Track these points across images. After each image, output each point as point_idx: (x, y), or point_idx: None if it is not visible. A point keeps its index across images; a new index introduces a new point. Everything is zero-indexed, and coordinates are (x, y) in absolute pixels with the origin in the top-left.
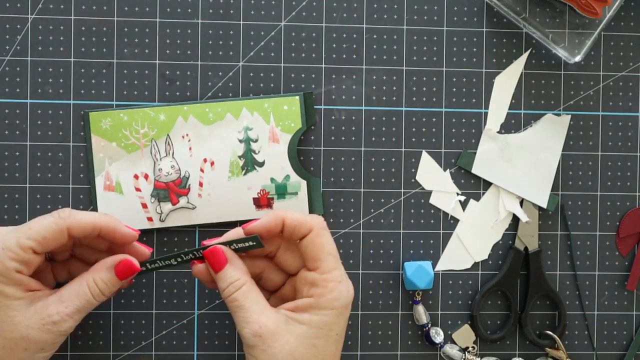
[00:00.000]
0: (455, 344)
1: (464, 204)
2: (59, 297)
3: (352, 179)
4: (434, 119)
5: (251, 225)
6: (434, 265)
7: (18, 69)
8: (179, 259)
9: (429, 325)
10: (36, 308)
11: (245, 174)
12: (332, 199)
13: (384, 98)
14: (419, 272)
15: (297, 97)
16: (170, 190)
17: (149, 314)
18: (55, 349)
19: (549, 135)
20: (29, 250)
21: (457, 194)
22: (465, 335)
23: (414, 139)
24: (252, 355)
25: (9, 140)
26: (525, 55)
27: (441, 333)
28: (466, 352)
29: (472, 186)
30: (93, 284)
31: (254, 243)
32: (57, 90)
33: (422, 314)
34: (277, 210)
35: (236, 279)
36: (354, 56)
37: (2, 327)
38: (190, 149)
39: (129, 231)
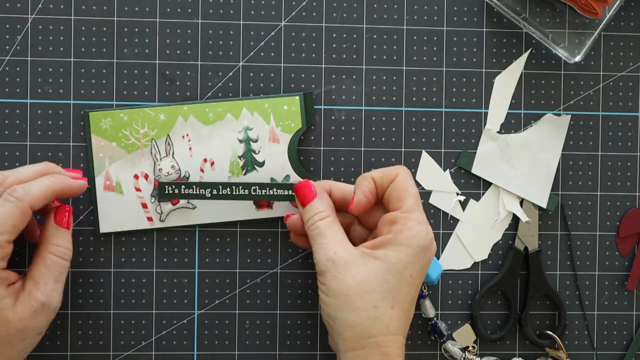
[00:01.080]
0: (456, 342)
1: (463, 204)
2: (32, 280)
3: (352, 179)
4: (434, 119)
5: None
6: None
7: (18, 69)
8: (215, 191)
9: (435, 319)
10: (20, 301)
11: (245, 174)
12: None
13: (384, 98)
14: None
15: (297, 97)
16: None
17: (149, 314)
18: (48, 325)
19: (549, 135)
20: (5, 244)
21: (457, 194)
22: (465, 334)
23: (414, 139)
24: (322, 282)
25: (9, 140)
26: (525, 55)
27: (432, 307)
28: (466, 352)
29: (472, 186)
30: (54, 247)
31: (292, 193)
32: (57, 90)
33: (428, 307)
34: (364, 175)
35: (322, 210)
36: (354, 56)
37: None
38: (190, 149)
39: (80, 182)
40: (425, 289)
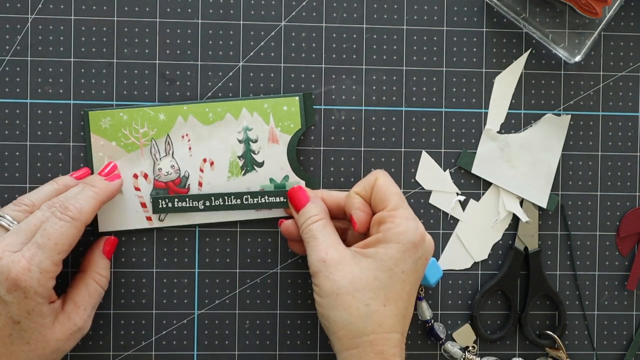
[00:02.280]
0: (456, 342)
1: (463, 204)
2: (74, 303)
3: (352, 179)
4: (434, 119)
5: (295, 187)
6: None
7: (18, 69)
8: (208, 202)
9: (432, 321)
10: (59, 321)
11: (244, 174)
12: None
13: (384, 98)
14: (430, 268)
15: (297, 98)
16: (170, 190)
17: (149, 314)
18: None
19: (549, 135)
20: (60, 263)
21: (457, 194)
22: (465, 334)
23: (413, 139)
24: (315, 284)
25: (9, 140)
26: (525, 55)
27: (444, 329)
28: (466, 352)
29: (472, 186)
30: (99, 277)
31: (285, 200)
32: (57, 90)
33: (425, 309)
34: (347, 194)
35: (315, 214)
36: (354, 56)
37: (37, 345)
38: (189, 148)
39: (118, 184)
40: (422, 290)
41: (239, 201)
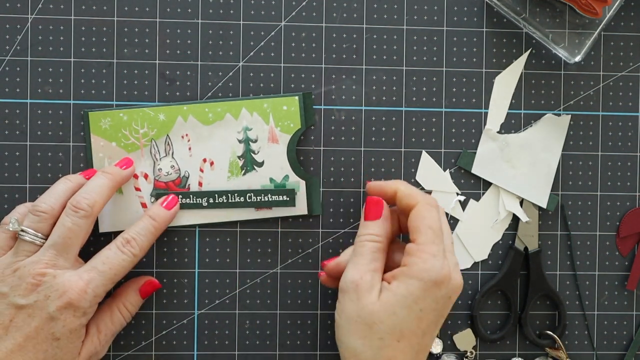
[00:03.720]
0: (452, 352)
1: (463, 204)
2: (96, 327)
3: (352, 179)
4: (434, 119)
5: (370, 182)
6: None
7: (18, 69)
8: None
9: (440, 355)
10: (84, 344)
11: (244, 174)
12: (331, 199)
13: (384, 98)
14: None
15: (297, 98)
16: (170, 190)
17: (149, 314)
18: None
19: (549, 135)
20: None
21: (457, 194)
22: (465, 338)
23: (413, 139)
24: (340, 301)
25: (9, 140)
26: (525, 55)
27: (440, 343)
28: (464, 358)
29: (472, 186)
30: (124, 309)
31: (288, 199)
32: (57, 90)
33: (435, 343)
34: (396, 180)
35: (377, 234)
36: (354, 56)
37: None
38: (189, 149)
39: (129, 170)
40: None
41: (242, 199)
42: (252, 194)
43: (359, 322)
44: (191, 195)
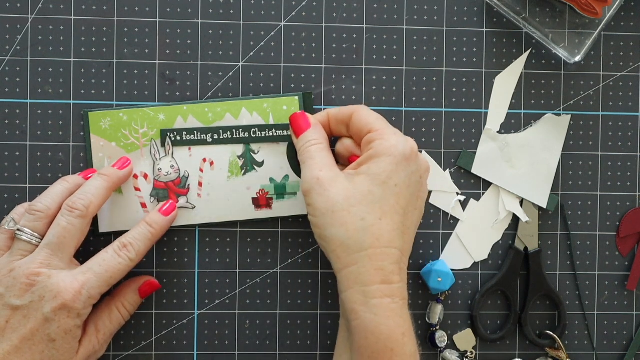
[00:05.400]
0: (454, 349)
1: (463, 204)
2: (95, 327)
3: None
4: (434, 119)
5: (297, 112)
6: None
7: (18, 69)
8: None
9: (436, 328)
10: (82, 344)
11: (244, 174)
12: None
13: (384, 98)
14: (436, 277)
15: (297, 98)
16: (170, 190)
17: (149, 314)
18: None
19: (549, 135)
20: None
21: (457, 193)
22: (466, 338)
23: (414, 139)
24: (308, 203)
25: (9, 140)
26: (525, 55)
27: (445, 338)
28: (464, 358)
29: (472, 186)
30: (123, 308)
31: (287, 134)
32: (57, 90)
33: (437, 313)
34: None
35: (315, 139)
36: (354, 56)
37: None
38: (189, 149)
39: (127, 170)
40: (442, 295)
41: (246, 134)
42: (256, 129)
43: (335, 210)
44: (195, 132)
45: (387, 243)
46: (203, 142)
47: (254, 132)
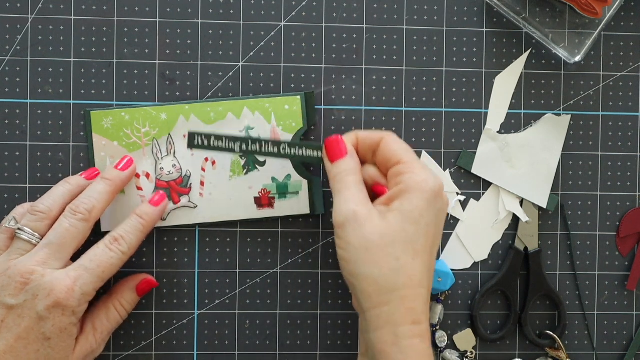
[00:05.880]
0: (454, 349)
1: (464, 204)
2: (92, 326)
3: None
4: (434, 119)
5: (334, 136)
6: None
7: (18, 69)
8: (245, 146)
9: (436, 328)
10: (79, 342)
11: (246, 173)
12: (331, 199)
13: (384, 98)
14: (436, 277)
15: (299, 97)
16: (172, 190)
17: (149, 314)
18: None
19: (549, 135)
20: (97, 290)
21: (457, 193)
22: (466, 338)
23: (414, 139)
24: (341, 237)
25: (9, 140)
26: (525, 55)
27: (446, 338)
28: (464, 358)
29: (472, 186)
30: (120, 307)
31: (318, 156)
32: (57, 90)
33: (437, 313)
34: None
35: (351, 168)
36: (354, 56)
37: None
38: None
39: (129, 171)
40: (442, 295)
41: (275, 149)
42: (286, 145)
43: (369, 248)
44: (224, 139)
45: (418, 283)
46: (230, 150)
47: (283, 148)
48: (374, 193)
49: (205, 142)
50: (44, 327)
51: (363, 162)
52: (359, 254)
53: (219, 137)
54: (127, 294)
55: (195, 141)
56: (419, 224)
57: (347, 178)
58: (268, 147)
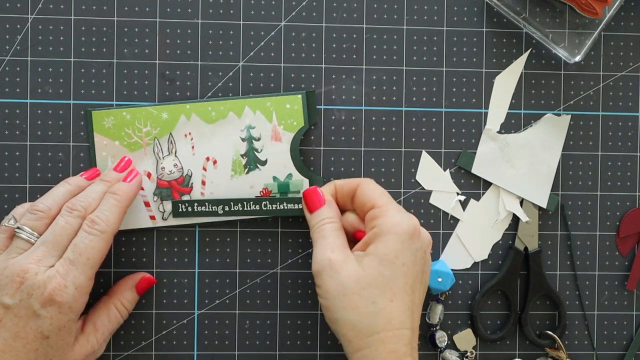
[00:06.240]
0: (455, 349)
1: (464, 204)
2: (93, 326)
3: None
4: (434, 119)
5: (311, 187)
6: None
7: (18, 69)
8: (228, 208)
9: (436, 328)
10: (78, 341)
11: (247, 172)
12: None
13: (384, 98)
14: (436, 277)
15: (300, 96)
16: (173, 189)
17: (149, 314)
18: None
19: (549, 135)
20: (93, 278)
21: (457, 193)
22: (466, 338)
23: (414, 139)
24: (319, 285)
25: (9, 140)
26: (525, 55)
27: (446, 338)
28: (464, 358)
29: (472, 186)
30: (121, 306)
31: (299, 207)
32: (57, 90)
33: (437, 313)
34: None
35: (329, 217)
36: (354, 56)
37: None
38: (192, 147)
39: (137, 183)
40: (442, 295)
41: (257, 207)
42: (267, 202)
43: (347, 294)
44: (207, 203)
45: (399, 325)
46: (214, 214)
47: (265, 205)
48: (355, 239)
49: (189, 208)
50: (41, 325)
51: (343, 210)
52: (337, 300)
53: (201, 203)
54: (127, 293)
55: (179, 209)
56: (395, 266)
57: (324, 227)
58: (250, 205)
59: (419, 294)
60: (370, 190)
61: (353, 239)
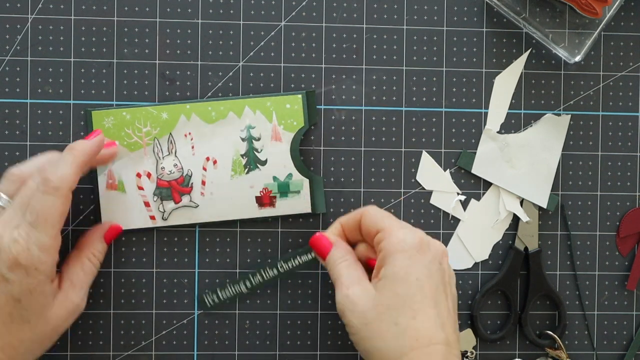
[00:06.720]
0: None
1: (464, 204)
2: (70, 282)
3: (352, 179)
4: (434, 119)
5: (315, 235)
6: None
7: (18, 69)
8: (249, 283)
9: None
10: (58, 299)
11: (247, 172)
12: (332, 199)
13: (384, 98)
14: None
15: (300, 96)
16: (173, 189)
17: (149, 314)
18: None
19: (549, 135)
20: (58, 236)
21: (458, 193)
22: (465, 338)
23: (414, 139)
24: (345, 323)
25: (9, 140)
26: (525, 55)
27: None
28: (464, 358)
29: (472, 186)
30: (93, 258)
31: (312, 257)
32: (57, 90)
33: None
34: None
35: (339, 256)
36: (354, 56)
37: (37, 324)
38: (192, 147)
39: (97, 141)
40: None
41: (275, 270)
42: (282, 262)
43: (368, 322)
44: (229, 285)
45: (427, 341)
46: (240, 293)
47: (281, 266)
48: (371, 268)
49: (215, 298)
50: (12, 289)
51: (355, 243)
52: (362, 332)
53: (223, 286)
54: (97, 244)
55: (207, 303)
56: (409, 283)
57: (337, 267)
58: (267, 273)
59: (445, 305)
60: (372, 216)
61: (370, 268)
